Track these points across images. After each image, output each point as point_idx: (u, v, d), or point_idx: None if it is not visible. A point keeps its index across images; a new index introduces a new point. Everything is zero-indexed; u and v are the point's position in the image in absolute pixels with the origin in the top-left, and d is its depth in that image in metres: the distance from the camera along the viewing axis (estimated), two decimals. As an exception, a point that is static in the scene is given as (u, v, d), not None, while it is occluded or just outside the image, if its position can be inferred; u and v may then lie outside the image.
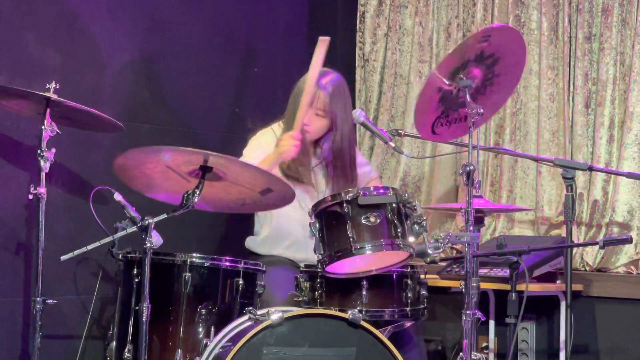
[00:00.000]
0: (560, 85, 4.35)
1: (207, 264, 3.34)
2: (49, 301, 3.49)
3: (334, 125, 3.82)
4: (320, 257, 3.21)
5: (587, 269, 4.21)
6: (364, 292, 3.27)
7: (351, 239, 3.14)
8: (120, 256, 3.42)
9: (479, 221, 3.74)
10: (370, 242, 3.14)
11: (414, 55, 4.81)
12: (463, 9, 4.68)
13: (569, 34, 4.36)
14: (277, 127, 3.91)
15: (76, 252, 3.07)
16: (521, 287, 3.36)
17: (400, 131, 3.83)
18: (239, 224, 4.14)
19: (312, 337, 3.06)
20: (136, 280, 3.32)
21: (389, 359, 3.08)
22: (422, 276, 3.44)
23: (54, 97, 3.40)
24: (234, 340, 3.06)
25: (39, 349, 3.44)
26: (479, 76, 3.18)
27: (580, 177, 4.20)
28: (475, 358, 3.12)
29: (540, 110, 4.38)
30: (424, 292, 3.42)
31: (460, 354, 3.12)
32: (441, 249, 3.12)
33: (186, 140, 4.32)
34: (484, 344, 4.25)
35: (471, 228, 3.06)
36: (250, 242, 4.00)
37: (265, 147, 3.81)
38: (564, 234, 4.07)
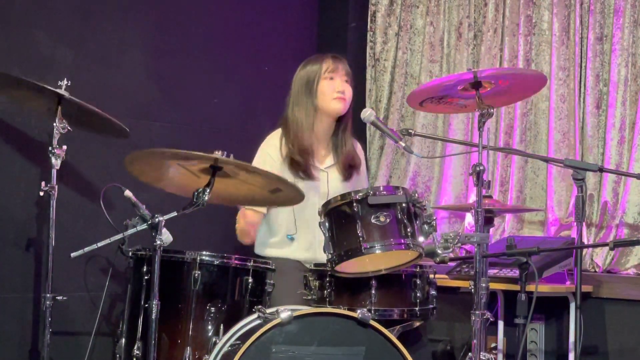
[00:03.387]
0: (571, 86, 4.34)
1: (216, 262, 3.34)
2: (59, 298, 3.50)
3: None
4: (329, 256, 3.20)
5: (597, 270, 4.20)
6: (373, 292, 3.28)
7: (361, 239, 3.13)
8: (130, 253, 3.42)
9: (488, 221, 3.75)
10: (380, 241, 3.14)
11: (424, 55, 4.80)
12: (474, 9, 4.67)
13: (581, 35, 4.35)
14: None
15: (86, 249, 3.08)
16: (530, 287, 3.35)
17: (410, 131, 3.81)
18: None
19: (321, 336, 3.06)
20: (146, 277, 3.32)
21: (397, 358, 3.08)
22: (431, 276, 3.44)
23: (66, 94, 3.40)
24: (243, 338, 3.06)
25: (49, 346, 3.45)
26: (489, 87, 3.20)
27: (591, 178, 4.19)
28: (484, 358, 3.12)
29: (551, 111, 4.37)
30: (433, 291, 3.43)
31: (469, 354, 3.12)
32: (451, 249, 3.12)
33: (197, 139, 4.34)
34: (493, 345, 4.24)
35: (481, 228, 3.06)
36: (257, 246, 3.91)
37: (270, 160, 3.77)
38: (573, 235, 4.07)
